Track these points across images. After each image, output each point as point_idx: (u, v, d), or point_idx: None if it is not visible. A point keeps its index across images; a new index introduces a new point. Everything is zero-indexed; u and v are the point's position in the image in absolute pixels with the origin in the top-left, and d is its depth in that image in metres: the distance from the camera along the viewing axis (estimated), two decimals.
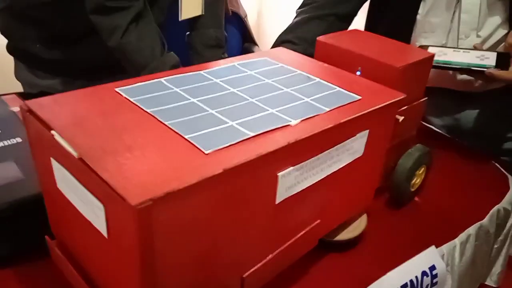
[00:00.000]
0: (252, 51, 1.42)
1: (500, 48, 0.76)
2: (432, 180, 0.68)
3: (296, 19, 0.89)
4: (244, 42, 1.47)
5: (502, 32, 0.77)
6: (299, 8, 0.91)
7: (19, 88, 0.98)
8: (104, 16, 0.77)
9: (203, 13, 0.95)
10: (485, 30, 0.78)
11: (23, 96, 0.64)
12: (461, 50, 0.75)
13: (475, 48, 0.77)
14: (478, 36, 0.79)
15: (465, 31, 0.79)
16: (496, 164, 0.78)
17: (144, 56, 0.79)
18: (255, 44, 1.46)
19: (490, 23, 0.78)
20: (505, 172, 0.76)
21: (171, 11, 0.95)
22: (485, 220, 0.64)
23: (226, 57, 1.00)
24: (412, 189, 0.65)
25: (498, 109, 0.87)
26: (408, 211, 0.65)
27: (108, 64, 0.84)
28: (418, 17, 0.82)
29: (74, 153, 0.33)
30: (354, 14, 0.91)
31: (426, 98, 0.63)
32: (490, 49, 0.79)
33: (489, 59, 0.71)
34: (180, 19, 0.90)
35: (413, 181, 0.64)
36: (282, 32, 0.88)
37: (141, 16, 0.78)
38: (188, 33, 0.99)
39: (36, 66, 0.93)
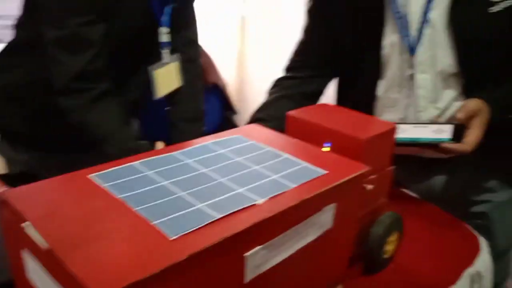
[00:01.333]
0: (232, 119, 1.47)
1: None
2: (405, 245, 0.69)
3: (267, 98, 0.96)
4: (224, 110, 1.53)
5: (459, 104, 0.82)
6: (270, 89, 0.98)
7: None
8: (66, 96, 0.82)
9: (182, 84, 1.00)
10: (442, 103, 0.83)
11: (4, 178, 0.65)
12: (420, 125, 0.79)
13: (434, 121, 0.81)
14: (436, 108, 0.83)
15: (423, 105, 0.84)
16: (468, 226, 0.80)
17: (105, 131, 0.83)
18: (235, 112, 1.52)
19: (447, 96, 0.83)
20: (475, 234, 0.78)
21: (150, 86, 1.00)
22: (458, 284, 0.65)
23: (204, 130, 1.03)
24: (385, 256, 0.66)
25: (466, 173, 0.91)
26: (382, 277, 0.65)
27: (82, 140, 0.87)
28: (379, 93, 0.87)
29: (44, 245, 0.34)
30: (320, 92, 0.97)
31: (394, 166, 0.66)
32: (450, 119, 0.83)
33: (446, 132, 0.75)
34: (154, 98, 0.94)
35: (386, 248, 0.65)
36: (255, 111, 0.94)
37: (104, 95, 0.83)
38: (167, 108, 1.03)
39: (16, 142, 0.96)
